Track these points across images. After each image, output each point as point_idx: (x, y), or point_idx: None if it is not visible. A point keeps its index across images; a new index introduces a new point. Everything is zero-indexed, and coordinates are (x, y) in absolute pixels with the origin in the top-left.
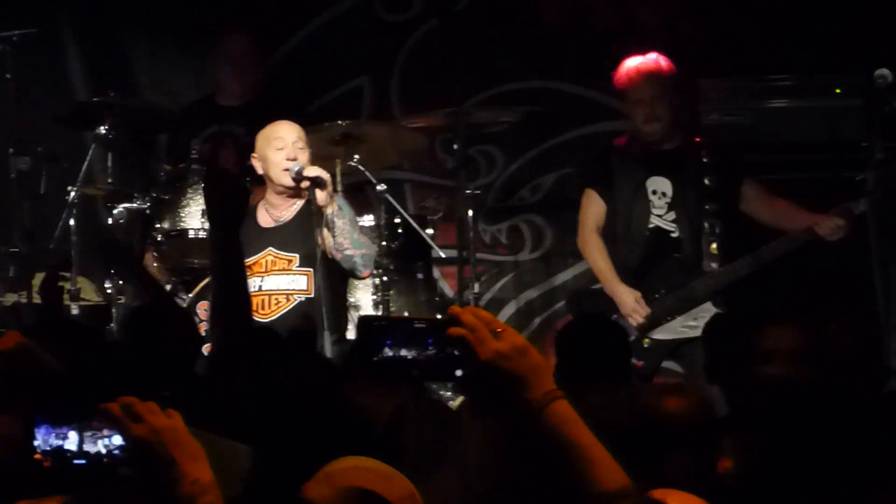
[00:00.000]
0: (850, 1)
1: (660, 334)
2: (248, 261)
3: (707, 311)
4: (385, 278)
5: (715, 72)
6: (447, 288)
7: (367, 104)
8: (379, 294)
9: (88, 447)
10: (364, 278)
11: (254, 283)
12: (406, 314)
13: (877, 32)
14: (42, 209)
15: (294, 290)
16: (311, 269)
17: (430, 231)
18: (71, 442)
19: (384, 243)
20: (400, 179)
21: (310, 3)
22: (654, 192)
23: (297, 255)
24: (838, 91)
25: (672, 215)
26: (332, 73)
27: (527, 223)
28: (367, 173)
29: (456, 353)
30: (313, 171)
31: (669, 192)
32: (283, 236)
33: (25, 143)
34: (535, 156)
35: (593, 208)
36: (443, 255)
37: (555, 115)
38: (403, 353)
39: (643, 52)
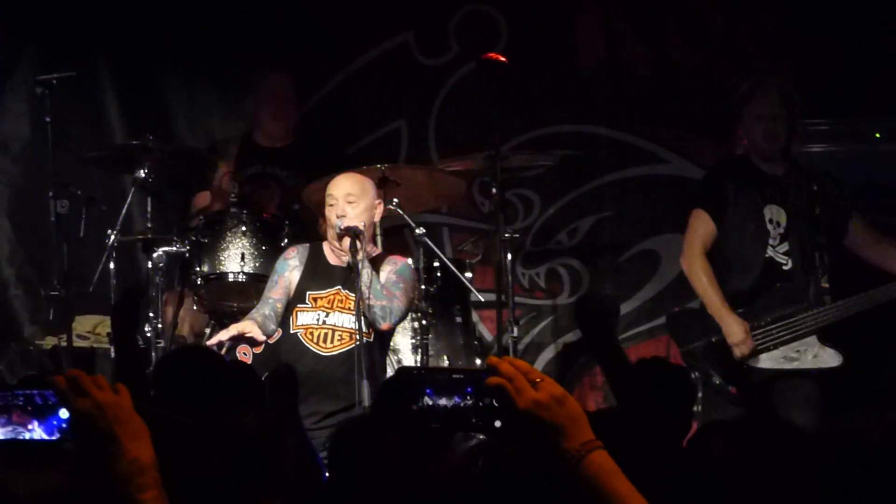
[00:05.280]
0: (887, 45)
1: (758, 363)
2: (315, 294)
3: (810, 344)
4: (423, 322)
5: None
6: (486, 332)
7: (405, 147)
8: (418, 338)
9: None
10: (384, 330)
11: (316, 317)
12: (445, 358)
13: None
14: (81, 253)
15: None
16: None
17: (468, 274)
18: None
19: (422, 286)
20: (438, 223)
21: (347, 47)
22: (770, 221)
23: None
24: (878, 136)
25: (785, 247)
26: (370, 117)
27: (564, 267)
28: (406, 217)
29: (494, 403)
30: (351, 223)
31: (784, 222)
32: (352, 279)
33: (64, 186)
34: (572, 200)
35: (703, 229)
36: (481, 299)
37: (591, 159)
38: (442, 402)
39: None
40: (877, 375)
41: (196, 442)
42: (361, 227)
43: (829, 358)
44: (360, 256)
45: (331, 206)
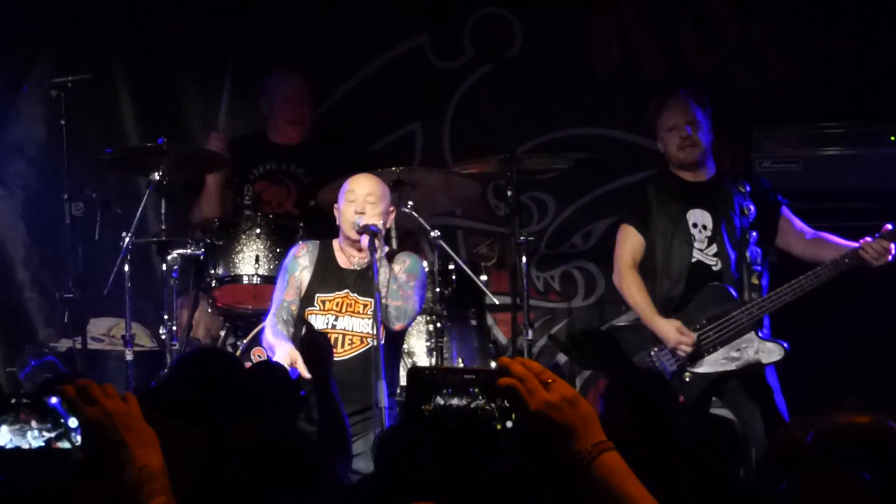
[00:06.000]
0: None
1: (701, 367)
2: (323, 296)
3: (749, 340)
4: (438, 325)
5: (767, 119)
6: (500, 334)
7: (420, 150)
8: (432, 340)
9: (17, 441)
10: (396, 331)
11: (326, 321)
12: (460, 360)
13: None
14: (96, 255)
15: (368, 333)
16: None
17: (483, 277)
18: (1, 436)
19: (437, 289)
20: (453, 226)
21: (363, 49)
22: (695, 226)
23: (372, 301)
24: (893, 139)
25: (713, 248)
26: (384, 119)
27: (579, 270)
28: (421, 219)
29: (506, 403)
30: (370, 220)
31: (710, 224)
32: (362, 281)
33: (79, 189)
34: (587, 202)
35: (630, 243)
36: (496, 302)
37: (606, 162)
38: (454, 403)
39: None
40: (821, 364)
41: (204, 450)
42: (380, 227)
43: (772, 351)
44: (377, 256)
45: (350, 202)
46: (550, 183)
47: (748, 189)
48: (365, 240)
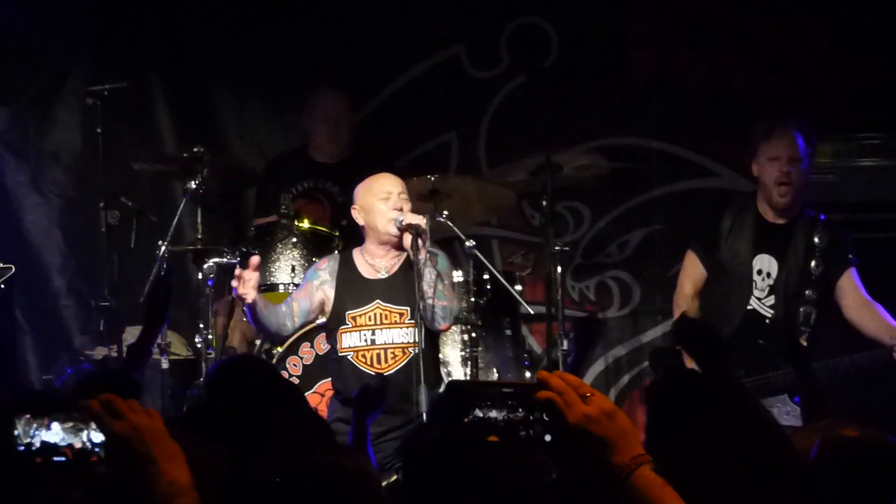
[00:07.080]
0: None
1: None
2: (353, 312)
3: (782, 402)
4: (473, 334)
5: None
6: (535, 344)
7: (455, 159)
8: (467, 350)
9: (70, 439)
10: (442, 331)
11: (363, 337)
12: (494, 370)
13: None
14: (132, 263)
15: (409, 342)
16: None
17: (518, 287)
18: (53, 433)
19: (472, 299)
20: (488, 235)
21: (398, 59)
22: (759, 272)
23: (408, 309)
24: None
25: (771, 300)
26: (420, 128)
27: (614, 280)
28: (456, 229)
29: (545, 417)
30: (414, 219)
31: (774, 273)
32: (391, 289)
33: (115, 197)
34: (623, 212)
35: (692, 271)
36: (531, 312)
37: (641, 172)
38: (493, 416)
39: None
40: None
41: (225, 468)
42: (424, 226)
43: (799, 417)
44: (422, 255)
45: (384, 199)
46: (586, 192)
47: (821, 244)
48: (408, 239)
